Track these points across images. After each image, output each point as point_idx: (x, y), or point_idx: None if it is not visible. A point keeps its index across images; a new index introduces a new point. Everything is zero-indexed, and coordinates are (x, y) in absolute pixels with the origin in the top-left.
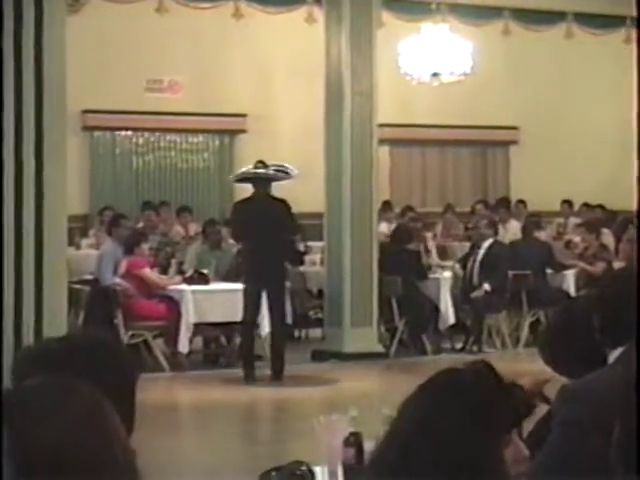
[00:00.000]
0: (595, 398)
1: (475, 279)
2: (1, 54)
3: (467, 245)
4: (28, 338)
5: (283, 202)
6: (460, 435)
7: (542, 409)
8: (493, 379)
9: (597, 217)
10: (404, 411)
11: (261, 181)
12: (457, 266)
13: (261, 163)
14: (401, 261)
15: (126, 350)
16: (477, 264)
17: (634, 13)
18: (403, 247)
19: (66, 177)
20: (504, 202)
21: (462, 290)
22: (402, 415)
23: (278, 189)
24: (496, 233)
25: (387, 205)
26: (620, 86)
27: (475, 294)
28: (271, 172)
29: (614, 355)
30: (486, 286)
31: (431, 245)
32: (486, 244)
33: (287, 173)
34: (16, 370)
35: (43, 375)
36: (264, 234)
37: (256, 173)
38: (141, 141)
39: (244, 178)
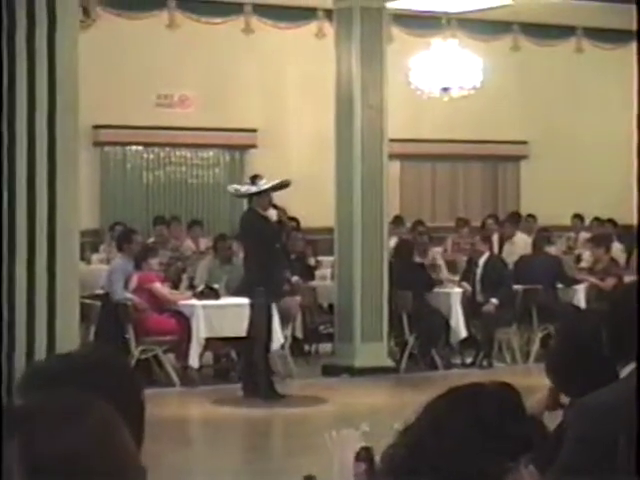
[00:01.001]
0: (606, 414)
1: (478, 295)
2: (14, 71)
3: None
4: (40, 353)
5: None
6: (466, 446)
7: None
8: (512, 404)
9: (607, 232)
10: (421, 413)
11: (252, 196)
12: (464, 283)
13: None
14: (409, 275)
15: (130, 366)
16: (478, 281)
17: None
18: (409, 261)
19: (78, 192)
20: (515, 217)
21: (469, 305)
22: (419, 416)
23: (288, 205)
24: (501, 248)
25: (398, 220)
26: (630, 100)
27: (485, 309)
28: (243, 189)
29: (626, 371)
30: (494, 301)
31: (440, 260)
32: (482, 260)
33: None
34: (20, 387)
35: (45, 392)
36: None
37: (237, 191)
38: (152, 156)
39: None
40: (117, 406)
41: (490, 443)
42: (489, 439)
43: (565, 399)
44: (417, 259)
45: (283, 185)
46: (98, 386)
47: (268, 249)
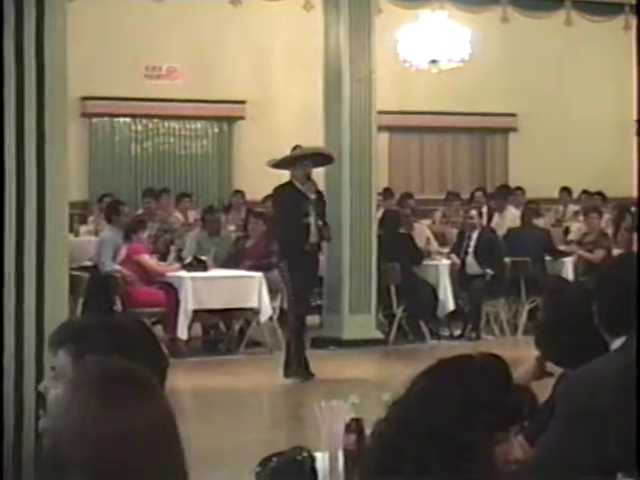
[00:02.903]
0: (597, 387)
1: (468, 268)
2: (1, 43)
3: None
4: (30, 324)
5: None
6: (455, 419)
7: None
8: (500, 375)
9: (594, 205)
10: (409, 387)
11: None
12: (453, 255)
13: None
14: (396, 246)
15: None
16: (470, 253)
17: (633, 0)
18: (395, 232)
19: (67, 164)
20: (504, 190)
21: (457, 278)
22: (406, 390)
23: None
24: (489, 221)
25: (388, 192)
26: (619, 73)
27: (479, 280)
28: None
29: (616, 344)
30: (489, 271)
31: (428, 232)
32: (475, 233)
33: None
34: (54, 340)
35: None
36: None
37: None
38: (140, 128)
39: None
40: (149, 362)
41: (479, 415)
42: (478, 411)
43: (551, 368)
44: (403, 230)
45: (318, 154)
46: (134, 344)
47: (294, 224)
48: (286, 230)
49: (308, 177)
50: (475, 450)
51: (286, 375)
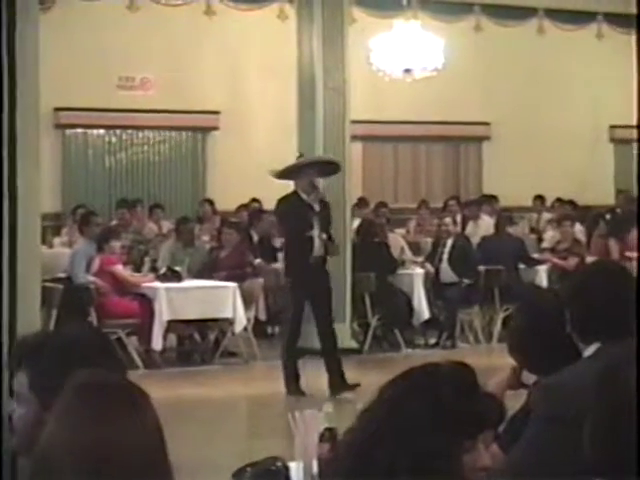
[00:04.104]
0: (572, 393)
1: (442, 276)
2: None
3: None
4: (1, 336)
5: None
6: (423, 427)
7: (516, 404)
8: (468, 383)
9: (568, 213)
10: (377, 396)
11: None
12: (428, 264)
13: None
14: (371, 255)
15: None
16: (445, 261)
17: (605, 9)
18: (371, 241)
19: (39, 175)
20: (479, 199)
21: (432, 286)
22: (377, 398)
23: (251, 187)
24: (463, 229)
25: (363, 201)
26: (592, 81)
27: (454, 289)
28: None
29: (589, 351)
30: (466, 281)
31: (402, 242)
32: (450, 241)
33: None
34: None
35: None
36: None
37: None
38: (113, 139)
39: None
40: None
41: (447, 423)
42: (446, 419)
43: (527, 379)
44: (378, 240)
45: (323, 163)
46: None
47: (297, 237)
48: (289, 244)
49: (313, 187)
50: (443, 458)
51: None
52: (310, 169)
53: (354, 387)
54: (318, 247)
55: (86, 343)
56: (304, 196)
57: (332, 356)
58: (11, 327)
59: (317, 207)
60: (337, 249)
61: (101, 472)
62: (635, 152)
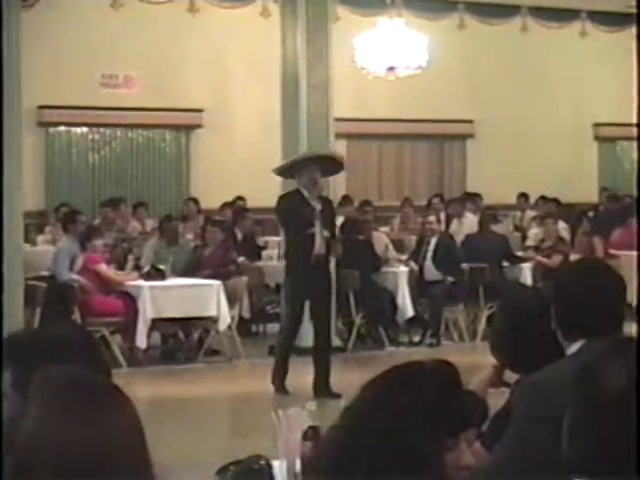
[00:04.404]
0: (554, 391)
1: (427, 274)
2: None
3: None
4: None
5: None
6: (405, 425)
7: (498, 403)
8: (450, 381)
9: (551, 211)
10: (359, 395)
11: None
12: (412, 263)
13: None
14: (356, 253)
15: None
16: (429, 259)
17: (589, 7)
18: (355, 239)
19: (22, 173)
20: (465, 196)
21: (417, 284)
22: (358, 397)
23: (235, 185)
24: (447, 227)
25: (347, 199)
26: (576, 79)
27: (439, 286)
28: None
29: (572, 348)
30: (450, 279)
31: (386, 239)
32: (434, 239)
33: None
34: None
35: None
36: None
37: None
38: (97, 137)
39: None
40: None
41: (429, 421)
42: (428, 417)
43: (509, 377)
44: (362, 237)
45: (326, 159)
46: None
47: (298, 235)
48: (289, 242)
49: (314, 183)
50: (425, 456)
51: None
52: (312, 164)
53: (337, 396)
54: (319, 245)
55: (70, 341)
56: (305, 193)
57: (323, 356)
58: None
59: (319, 204)
60: (339, 247)
61: (81, 471)
62: (619, 149)
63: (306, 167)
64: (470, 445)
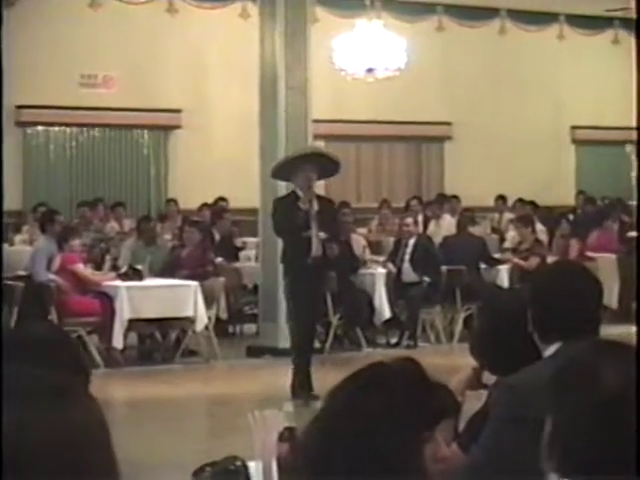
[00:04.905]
0: (531, 393)
1: (404, 276)
2: None
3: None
4: None
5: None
6: (380, 424)
7: (476, 404)
8: (418, 376)
9: (529, 213)
10: (331, 397)
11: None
12: (390, 264)
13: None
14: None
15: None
16: (407, 261)
17: (567, 10)
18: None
19: (1, 173)
20: (442, 198)
21: (394, 286)
22: (329, 400)
23: (213, 185)
24: (425, 229)
25: None
26: (553, 83)
27: (416, 288)
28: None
29: (549, 350)
30: (425, 279)
31: (364, 241)
32: (412, 241)
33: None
34: None
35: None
36: None
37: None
38: (75, 136)
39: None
40: (68, 371)
41: (403, 419)
42: (402, 415)
43: (487, 379)
44: (341, 239)
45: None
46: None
47: (293, 238)
48: (286, 245)
49: (309, 186)
50: (403, 453)
51: (292, 394)
52: (307, 164)
53: (315, 397)
54: (316, 247)
55: (49, 341)
56: (301, 194)
57: (305, 357)
58: None
59: (315, 206)
60: (335, 248)
61: (46, 470)
62: (596, 153)
63: (301, 168)
64: (447, 437)
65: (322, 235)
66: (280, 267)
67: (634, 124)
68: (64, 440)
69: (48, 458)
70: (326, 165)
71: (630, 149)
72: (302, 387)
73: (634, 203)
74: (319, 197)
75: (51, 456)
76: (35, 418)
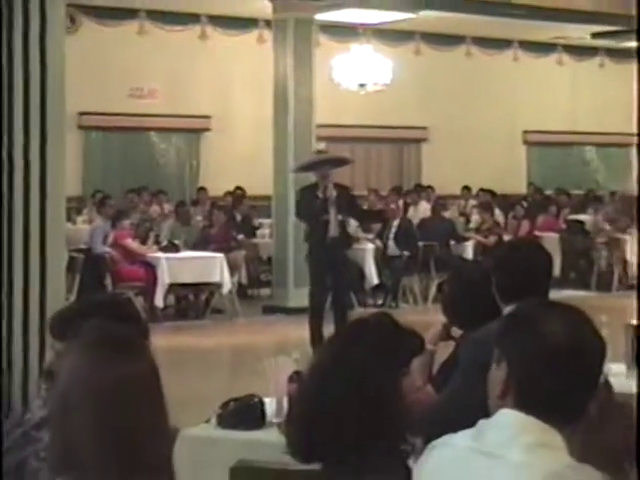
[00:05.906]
0: (491, 345)
1: (389, 250)
2: (12, 65)
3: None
4: (34, 296)
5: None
6: (366, 369)
7: (446, 353)
8: (391, 325)
9: (489, 200)
10: (322, 351)
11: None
12: (377, 241)
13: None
14: None
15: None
16: (391, 239)
17: (520, 37)
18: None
19: (64, 166)
20: (419, 188)
21: (381, 258)
22: (320, 354)
23: (235, 177)
24: (405, 213)
25: None
26: (509, 95)
27: (398, 260)
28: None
29: (508, 309)
30: (405, 253)
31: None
32: (396, 222)
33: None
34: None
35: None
36: None
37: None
38: (125, 137)
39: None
40: (136, 327)
41: (385, 361)
42: (383, 358)
43: (455, 332)
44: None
45: (322, 157)
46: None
47: (313, 221)
48: (308, 227)
49: (324, 177)
50: (387, 389)
51: (312, 345)
52: (322, 165)
53: None
54: (334, 228)
55: (117, 303)
56: (320, 184)
57: (319, 316)
58: (42, 289)
59: (333, 193)
60: (349, 235)
61: (107, 405)
62: (542, 152)
63: (317, 166)
64: (420, 371)
65: (340, 217)
66: (290, 242)
67: (574, 129)
68: (134, 377)
69: (109, 395)
70: (339, 160)
71: (577, 151)
72: (315, 340)
73: (575, 192)
74: (336, 185)
75: (112, 393)
76: (101, 362)
